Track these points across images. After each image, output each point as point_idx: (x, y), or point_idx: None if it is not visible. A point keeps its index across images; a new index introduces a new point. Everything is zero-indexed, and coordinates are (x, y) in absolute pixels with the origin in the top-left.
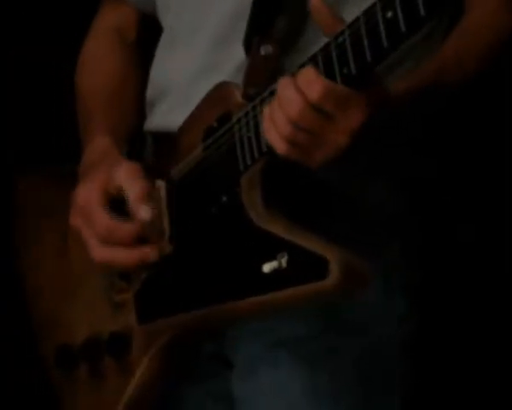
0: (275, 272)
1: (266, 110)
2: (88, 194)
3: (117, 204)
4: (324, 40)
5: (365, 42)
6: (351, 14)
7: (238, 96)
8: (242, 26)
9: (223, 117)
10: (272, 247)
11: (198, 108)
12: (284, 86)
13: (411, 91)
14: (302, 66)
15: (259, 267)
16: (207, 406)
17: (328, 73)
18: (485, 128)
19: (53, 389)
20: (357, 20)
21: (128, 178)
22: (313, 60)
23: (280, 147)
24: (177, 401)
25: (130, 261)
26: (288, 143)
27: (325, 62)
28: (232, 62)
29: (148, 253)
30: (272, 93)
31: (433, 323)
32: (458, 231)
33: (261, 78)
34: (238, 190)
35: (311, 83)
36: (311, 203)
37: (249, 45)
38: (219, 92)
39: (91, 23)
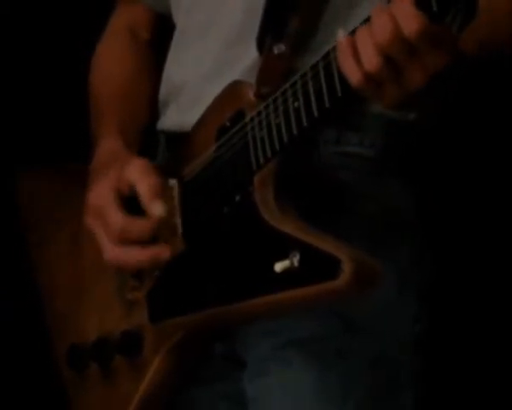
0: (286, 271)
1: (343, 39)
2: (100, 194)
3: (130, 203)
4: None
5: None
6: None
7: (251, 95)
8: (255, 25)
9: (236, 116)
10: (284, 246)
11: (211, 107)
12: (378, 13)
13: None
14: None
15: (271, 266)
16: (219, 407)
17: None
18: (502, 129)
19: (64, 389)
20: None
21: (139, 175)
22: None
23: (356, 78)
24: (188, 403)
25: (142, 260)
26: (365, 75)
27: None
28: (245, 61)
29: (161, 251)
30: (285, 92)
31: (446, 322)
32: (472, 231)
33: (274, 77)
34: (251, 189)
35: (410, 16)
36: (325, 202)
37: (262, 44)
38: (232, 91)
39: (106, 23)
